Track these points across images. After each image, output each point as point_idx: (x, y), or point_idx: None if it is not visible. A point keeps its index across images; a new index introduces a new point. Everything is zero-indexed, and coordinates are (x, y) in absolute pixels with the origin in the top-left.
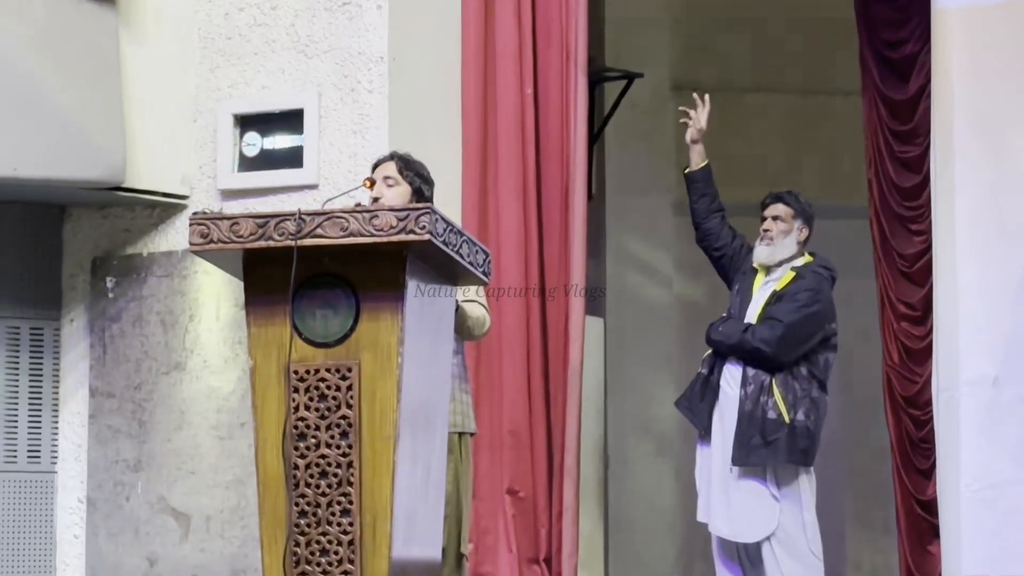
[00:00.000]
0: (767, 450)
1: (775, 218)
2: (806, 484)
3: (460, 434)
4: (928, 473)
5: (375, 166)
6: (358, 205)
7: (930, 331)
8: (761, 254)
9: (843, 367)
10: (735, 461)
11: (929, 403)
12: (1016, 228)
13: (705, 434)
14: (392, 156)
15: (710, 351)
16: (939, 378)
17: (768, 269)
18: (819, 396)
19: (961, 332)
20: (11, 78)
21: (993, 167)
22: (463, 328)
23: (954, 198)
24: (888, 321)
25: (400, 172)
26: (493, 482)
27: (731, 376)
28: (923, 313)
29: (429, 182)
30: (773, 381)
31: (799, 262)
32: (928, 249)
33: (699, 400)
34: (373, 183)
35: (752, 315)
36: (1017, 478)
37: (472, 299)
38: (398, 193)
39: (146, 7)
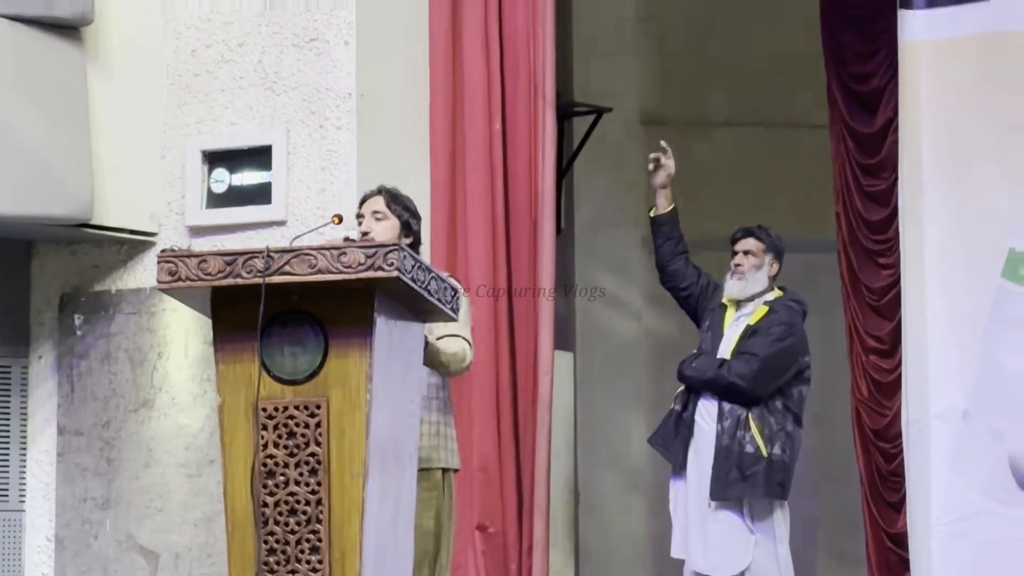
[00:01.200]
0: (745, 484)
1: (746, 252)
2: (780, 518)
3: (444, 470)
4: (898, 506)
5: (362, 201)
6: (347, 239)
7: (899, 364)
8: (733, 289)
9: (813, 401)
10: (713, 495)
11: (898, 436)
12: (984, 260)
13: (680, 469)
14: (380, 191)
15: (683, 387)
16: (909, 410)
17: (738, 304)
18: (794, 430)
19: (930, 364)
20: None
21: (961, 199)
22: (437, 364)
23: (922, 230)
24: (857, 354)
25: (388, 206)
26: (463, 518)
27: (706, 412)
28: (892, 346)
29: (416, 216)
30: (749, 415)
31: (770, 296)
32: (896, 283)
33: (673, 436)
34: (341, 219)
35: (725, 350)
36: (987, 510)
37: (454, 334)
38: (387, 227)
39: (113, 43)
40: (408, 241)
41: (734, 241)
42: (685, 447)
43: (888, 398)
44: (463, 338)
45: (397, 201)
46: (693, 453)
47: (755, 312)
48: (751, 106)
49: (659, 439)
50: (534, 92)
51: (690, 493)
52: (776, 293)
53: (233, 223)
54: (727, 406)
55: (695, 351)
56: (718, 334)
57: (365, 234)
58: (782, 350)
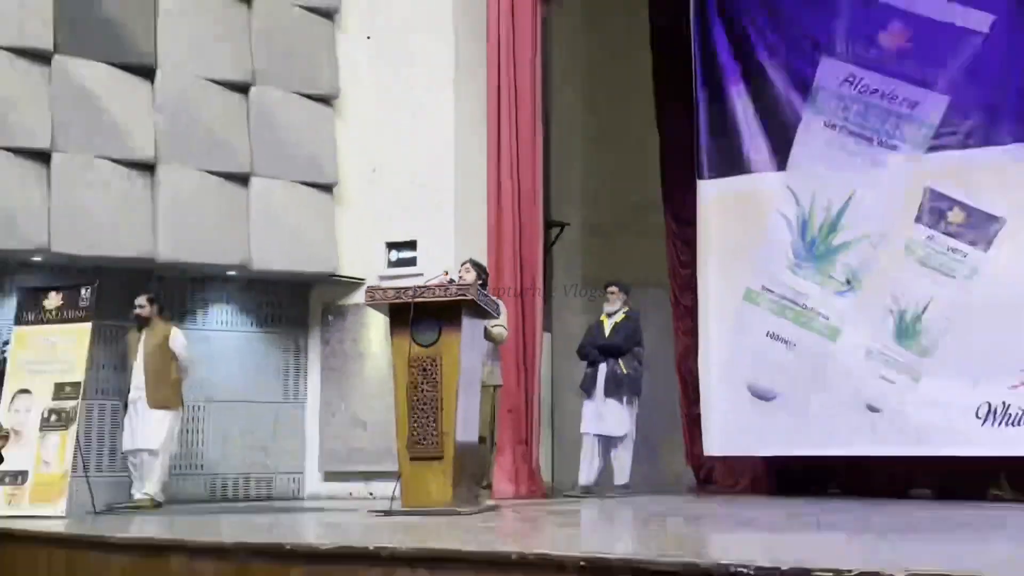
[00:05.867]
0: (621, 387)
1: (614, 292)
2: (634, 410)
3: (495, 387)
4: None
5: (463, 264)
6: (451, 281)
7: None
8: (611, 309)
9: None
10: (608, 394)
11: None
12: (734, 293)
13: (590, 393)
14: (469, 260)
15: (589, 361)
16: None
17: (609, 315)
18: (640, 366)
19: None
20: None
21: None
22: (490, 338)
23: (708, 292)
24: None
25: (473, 267)
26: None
27: (603, 365)
28: None
29: (486, 273)
30: (619, 359)
31: (625, 309)
32: None
33: (592, 382)
34: (447, 273)
35: (608, 335)
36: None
37: (499, 323)
38: (470, 277)
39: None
40: (480, 282)
41: (608, 286)
42: (594, 383)
43: None
44: (502, 326)
45: (477, 266)
46: (597, 384)
47: (617, 317)
48: None
49: (584, 386)
50: None
51: (596, 399)
52: (627, 307)
53: (399, 275)
54: (610, 360)
55: (589, 336)
56: (601, 331)
57: (461, 277)
58: (636, 332)
